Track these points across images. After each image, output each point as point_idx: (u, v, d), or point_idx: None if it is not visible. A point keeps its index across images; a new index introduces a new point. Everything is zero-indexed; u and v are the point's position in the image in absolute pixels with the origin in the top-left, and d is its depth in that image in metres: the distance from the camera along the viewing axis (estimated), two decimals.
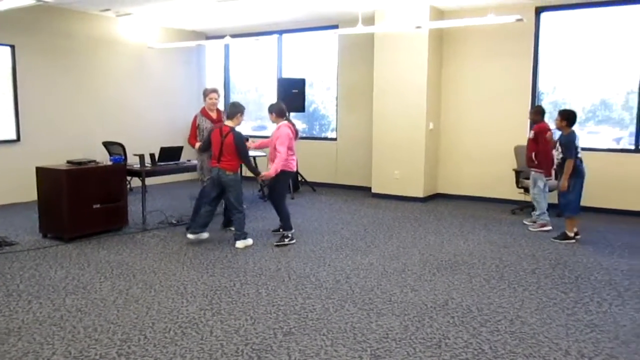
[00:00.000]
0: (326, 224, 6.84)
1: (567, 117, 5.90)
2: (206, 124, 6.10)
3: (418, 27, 7.39)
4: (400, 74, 8.29)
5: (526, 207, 7.56)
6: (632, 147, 7.46)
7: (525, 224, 6.80)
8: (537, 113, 6.75)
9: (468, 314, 3.89)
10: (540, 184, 6.59)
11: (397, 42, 8.25)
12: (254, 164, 5.89)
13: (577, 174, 5.85)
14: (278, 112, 5.87)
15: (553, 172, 6.29)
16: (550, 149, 6.34)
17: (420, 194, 8.38)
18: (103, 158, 7.04)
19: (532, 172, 6.66)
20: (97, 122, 9.02)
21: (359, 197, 8.78)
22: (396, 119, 8.40)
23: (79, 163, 6.06)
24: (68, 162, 6.10)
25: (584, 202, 6.85)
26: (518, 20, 6.40)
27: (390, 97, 8.42)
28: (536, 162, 6.55)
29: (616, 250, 5.65)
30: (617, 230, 6.54)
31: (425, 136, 8.25)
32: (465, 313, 3.91)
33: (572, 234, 5.97)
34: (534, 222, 6.72)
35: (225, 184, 5.61)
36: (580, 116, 8.62)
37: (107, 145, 8.43)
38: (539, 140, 6.53)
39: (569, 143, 5.82)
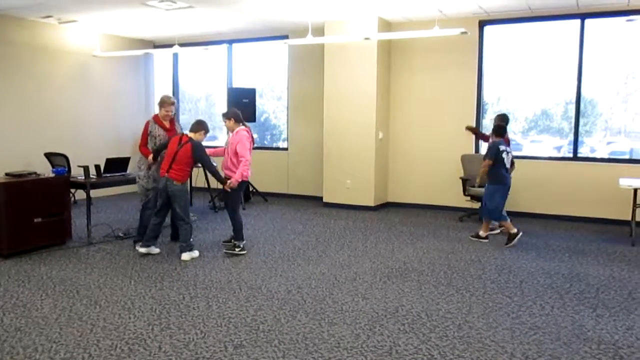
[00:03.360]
0: (278, 234, 6.81)
1: (493, 128, 6.55)
2: (158, 132, 5.98)
3: (367, 39, 7.51)
4: (350, 84, 8.39)
5: (473, 214, 7.77)
6: (571, 155, 7.80)
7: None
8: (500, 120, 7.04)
9: (418, 321, 3.94)
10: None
11: (346, 52, 8.36)
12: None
13: (496, 181, 6.34)
14: (236, 117, 5.77)
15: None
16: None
17: (371, 203, 8.48)
18: (45, 170, 6.78)
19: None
20: (38, 132, 8.68)
21: (310, 207, 8.79)
22: (346, 129, 8.48)
23: (19, 175, 5.81)
24: (7, 174, 5.84)
25: (528, 208, 7.14)
26: (462, 33, 6.61)
27: (341, 107, 8.51)
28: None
29: (557, 255, 5.88)
30: (558, 235, 6.81)
31: (375, 146, 8.37)
32: (415, 319, 3.97)
33: (515, 230, 6.26)
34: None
35: (171, 194, 5.50)
36: (523, 125, 8.98)
37: (50, 156, 8.13)
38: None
39: (490, 147, 6.38)
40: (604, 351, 3.45)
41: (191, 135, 5.58)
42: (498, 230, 6.85)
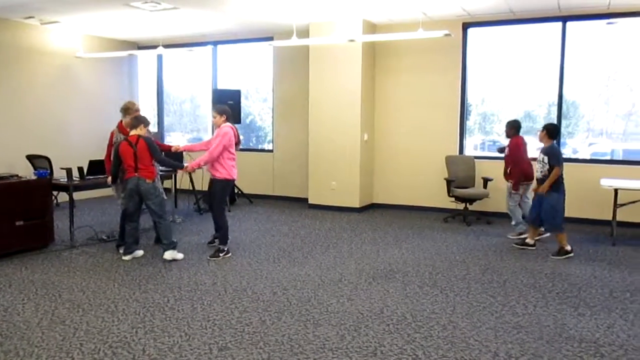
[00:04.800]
0: (263, 236, 6.80)
1: (548, 128, 5.92)
2: (122, 138, 5.84)
3: (351, 40, 7.53)
4: (335, 86, 8.41)
5: (458, 215, 7.83)
6: None
7: (509, 237, 6.77)
8: (511, 127, 6.80)
9: (403, 321, 3.96)
10: (515, 196, 6.72)
11: (331, 54, 8.38)
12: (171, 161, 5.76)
13: (559, 188, 5.83)
14: (227, 114, 5.76)
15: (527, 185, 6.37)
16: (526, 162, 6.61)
17: (356, 205, 8.50)
18: (27, 172, 6.70)
19: (509, 185, 6.75)
20: (20, 134, 8.57)
21: (295, 209, 8.79)
22: (332, 130, 8.50)
23: (0, 178, 5.73)
24: None
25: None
26: (446, 35, 6.66)
27: (326, 108, 8.52)
28: (514, 179, 6.64)
29: (540, 255, 5.95)
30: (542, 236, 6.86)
31: (360, 147, 8.40)
32: (400, 320, 3.98)
33: (569, 247, 5.87)
34: (520, 234, 6.73)
35: (144, 193, 5.45)
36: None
37: (32, 158, 8.03)
38: (512, 154, 6.67)
39: (553, 152, 5.81)
40: (585, 349, 3.49)
41: (135, 132, 5.51)
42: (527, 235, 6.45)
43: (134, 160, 5.41)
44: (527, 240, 6.23)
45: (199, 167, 5.70)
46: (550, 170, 5.78)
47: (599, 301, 4.44)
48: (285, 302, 4.38)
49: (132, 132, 5.53)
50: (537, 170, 6.01)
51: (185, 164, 5.82)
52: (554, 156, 5.78)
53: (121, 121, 6.01)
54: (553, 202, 5.80)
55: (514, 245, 6.29)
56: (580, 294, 4.62)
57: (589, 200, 7.52)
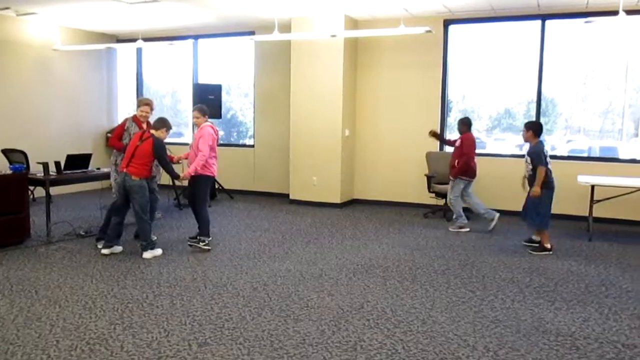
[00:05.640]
0: (244, 232, 6.77)
1: (533, 128, 5.90)
2: (135, 129, 5.89)
3: (333, 36, 7.52)
4: (317, 81, 8.40)
5: (438, 211, 7.89)
6: None
7: (450, 230, 6.98)
8: (463, 124, 7.01)
9: (383, 316, 3.98)
10: (457, 190, 6.93)
11: (313, 49, 8.36)
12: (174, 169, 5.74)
13: (548, 185, 5.84)
14: (207, 114, 5.81)
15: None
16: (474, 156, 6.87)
17: (338, 200, 8.51)
18: (2, 167, 6.57)
19: (453, 179, 6.95)
20: None
21: (276, 204, 8.77)
22: (313, 126, 8.48)
23: None
24: None
25: (491, 205, 7.27)
26: (427, 31, 6.69)
27: (307, 104, 8.50)
28: (458, 169, 6.88)
29: (518, 250, 6.02)
30: (519, 231, 6.95)
31: (342, 143, 8.40)
32: (380, 315, 4.00)
33: (549, 245, 5.90)
34: (461, 227, 6.98)
35: (129, 189, 5.39)
36: (487, 124, 9.17)
37: (7, 152, 7.88)
38: (463, 149, 6.87)
39: (537, 152, 5.82)
40: (562, 343, 3.55)
41: (153, 132, 5.50)
42: (468, 229, 6.92)
43: (131, 153, 5.39)
44: (547, 245, 5.95)
45: (195, 173, 5.64)
46: (534, 170, 5.83)
47: (575, 295, 4.51)
48: (265, 297, 4.37)
49: (152, 132, 5.50)
50: (524, 169, 6.07)
51: (179, 174, 5.76)
52: (537, 156, 5.80)
53: (136, 114, 6.06)
54: (537, 199, 5.84)
55: (531, 252, 5.93)
56: (557, 288, 4.69)
57: (567, 196, 7.61)
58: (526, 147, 6.21)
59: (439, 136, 7.61)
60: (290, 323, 3.83)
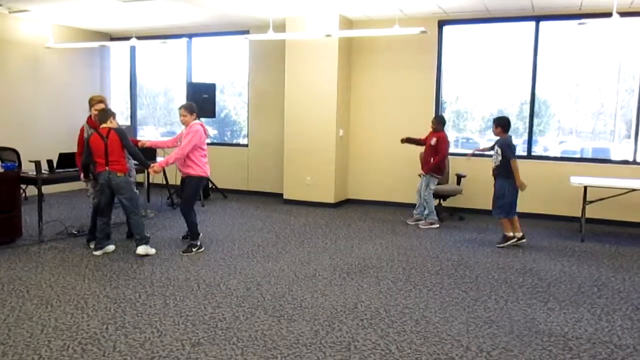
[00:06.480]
0: (237, 231, 6.75)
1: (501, 124, 6.16)
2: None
3: (328, 36, 7.52)
4: (311, 81, 8.39)
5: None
6: (525, 154, 8.01)
7: (408, 224, 7.31)
8: (439, 122, 7.23)
9: (376, 316, 3.98)
10: (432, 186, 7.18)
11: (307, 49, 8.35)
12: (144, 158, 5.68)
13: (509, 176, 6.06)
14: (196, 112, 5.76)
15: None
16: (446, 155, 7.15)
17: (331, 200, 8.51)
18: None
19: (427, 175, 7.19)
20: None
21: (270, 204, 8.76)
22: (307, 126, 8.48)
23: None
24: None
25: (484, 206, 7.30)
26: (422, 32, 6.70)
27: (301, 103, 8.49)
28: (432, 166, 7.12)
29: (511, 250, 6.04)
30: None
31: (336, 143, 8.40)
32: (373, 315, 4.00)
33: (511, 234, 6.17)
34: (418, 220, 7.31)
35: (116, 187, 5.36)
36: (480, 125, 9.19)
37: None
38: (439, 148, 7.09)
39: (506, 144, 6.08)
40: (554, 343, 3.56)
41: (104, 126, 5.41)
42: (438, 225, 7.17)
43: (105, 153, 5.31)
44: (515, 234, 6.23)
45: (167, 165, 5.61)
46: (502, 162, 6.07)
47: (567, 296, 4.53)
48: (259, 297, 4.35)
49: (103, 126, 5.42)
50: (492, 160, 6.31)
51: (150, 163, 5.71)
52: (507, 148, 6.06)
53: (90, 115, 5.86)
54: (501, 187, 6.14)
55: (497, 246, 6.18)
56: (550, 289, 4.71)
57: (559, 197, 7.67)
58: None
59: (412, 140, 7.53)
60: (283, 323, 3.82)
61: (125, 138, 5.41)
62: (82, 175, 5.71)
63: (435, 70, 8.27)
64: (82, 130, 5.84)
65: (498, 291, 4.62)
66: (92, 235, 5.76)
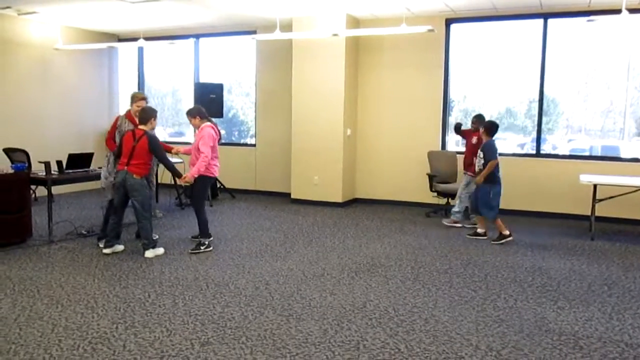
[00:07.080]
0: (245, 231, 6.76)
1: (486, 126, 6.40)
2: (128, 127, 5.76)
3: (335, 35, 7.51)
4: (318, 80, 8.39)
5: (440, 210, 7.88)
6: (534, 152, 7.98)
7: (465, 227, 7.08)
8: (478, 122, 6.98)
9: (385, 315, 3.97)
10: (472, 187, 6.80)
11: (315, 48, 8.35)
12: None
13: (495, 179, 6.25)
14: (201, 114, 5.75)
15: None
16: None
17: (339, 199, 8.50)
18: (4, 166, 6.55)
19: (470, 176, 6.85)
20: None
21: (278, 203, 8.77)
22: (315, 125, 8.48)
23: None
24: None
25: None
26: (429, 30, 6.69)
27: (309, 103, 8.50)
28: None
29: (520, 249, 6.01)
30: (521, 230, 6.94)
31: (343, 142, 8.39)
32: (382, 314, 4.00)
33: (507, 232, 6.28)
34: (474, 224, 6.92)
35: (130, 188, 5.38)
36: None
37: (9, 152, 7.87)
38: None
39: (489, 145, 6.29)
40: (565, 342, 3.54)
41: (142, 127, 5.47)
42: (460, 225, 7.06)
43: (130, 155, 5.36)
44: (479, 230, 6.53)
45: (198, 174, 5.59)
46: (485, 164, 6.21)
47: (577, 295, 4.50)
48: (267, 296, 4.36)
49: (141, 127, 5.48)
50: (476, 164, 6.46)
51: (183, 174, 5.70)
52: (488, 151, 6.24)
53: (129, 110, 5.94)
54: (483, 192, 6.26)
55: (467, 236, 6.54)
56: (560, 287, 4.69)
57: (568, 195, 7.62)
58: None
59: (460, 131, 7.48)
60: (292, 322, 3.82)
61: (157, 146, 5.45)
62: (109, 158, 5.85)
63: (442, 69, 8.24)
64: (116, 119, 5.98)
65: (507, 290, 4.60)
66: (103, 233, 5.80)
